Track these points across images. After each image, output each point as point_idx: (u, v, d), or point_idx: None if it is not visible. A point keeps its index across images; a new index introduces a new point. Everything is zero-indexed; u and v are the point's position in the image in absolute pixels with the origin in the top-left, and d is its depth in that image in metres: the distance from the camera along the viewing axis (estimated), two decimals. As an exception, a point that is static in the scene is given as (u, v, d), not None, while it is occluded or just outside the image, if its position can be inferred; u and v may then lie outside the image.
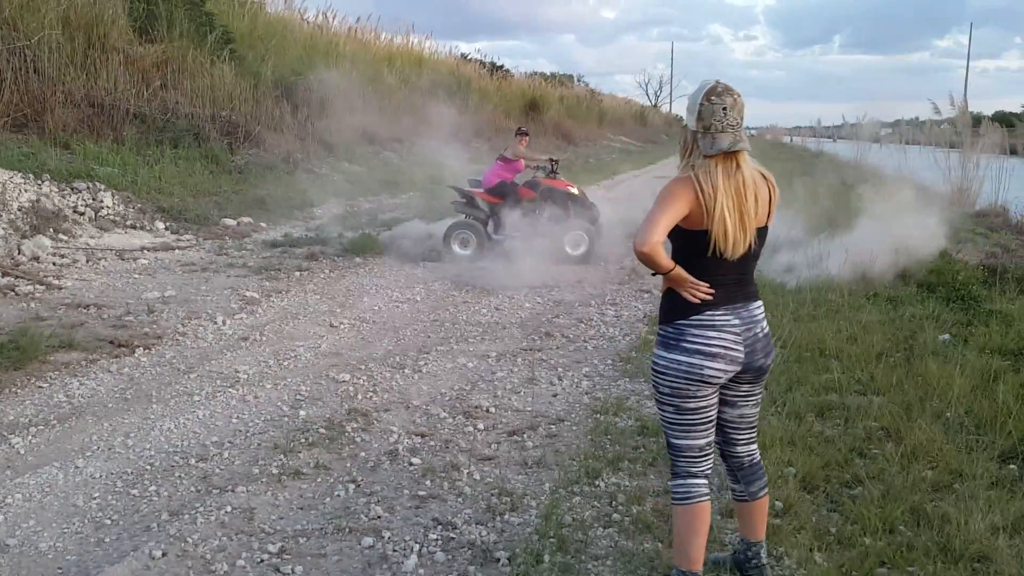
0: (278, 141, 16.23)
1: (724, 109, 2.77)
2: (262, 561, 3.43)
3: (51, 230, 9.52)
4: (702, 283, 2.82)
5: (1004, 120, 18.40)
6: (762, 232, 2.88)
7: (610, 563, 3.40)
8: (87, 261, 8.88)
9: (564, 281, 8.95)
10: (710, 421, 2.95)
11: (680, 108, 77.77)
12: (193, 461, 4.37)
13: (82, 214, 10.19)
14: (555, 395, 5.47)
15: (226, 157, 14.29)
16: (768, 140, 51.63)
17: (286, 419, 4.97)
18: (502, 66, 35.40)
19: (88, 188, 10.61)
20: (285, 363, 6.06)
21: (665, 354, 2.88)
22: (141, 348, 6.24)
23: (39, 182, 10.17)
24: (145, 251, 9.72)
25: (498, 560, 3.41)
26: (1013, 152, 16.20)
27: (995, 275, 8.37)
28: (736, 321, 2.86)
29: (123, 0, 14.40)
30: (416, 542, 3.57)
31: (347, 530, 3.68)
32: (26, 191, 9.72)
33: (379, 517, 3.80)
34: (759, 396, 3.08)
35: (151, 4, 15.09)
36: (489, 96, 28.30)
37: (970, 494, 3.88)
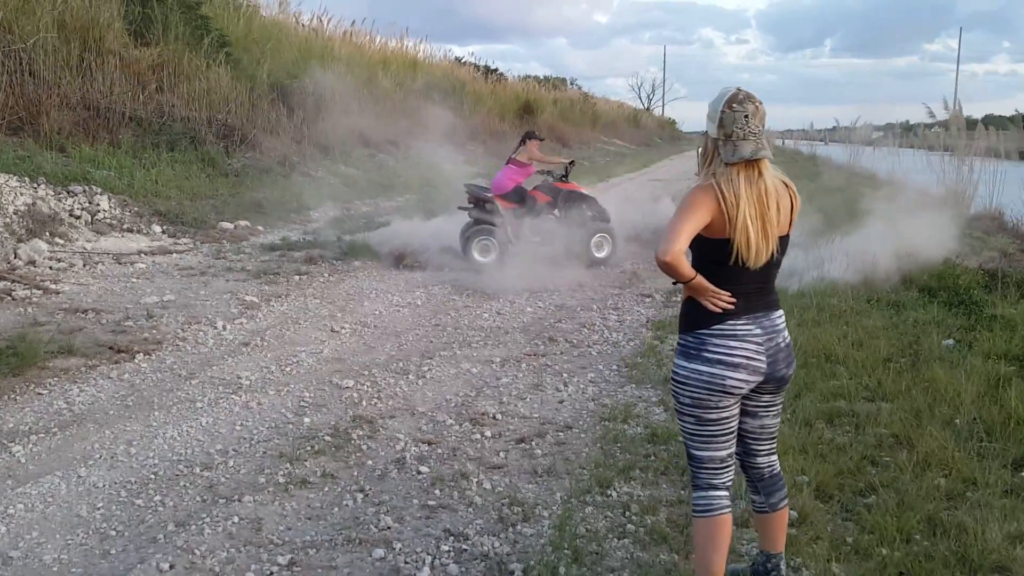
0: (274, 144, 16.17)
1: (746, 116, 2.73)
2: (272, 573, 3.38)
3: (47, 234, 9.44)
4: (723, 292, 2.78)
5: (995, 123, 18.41)
6: (784, 240, 2.84)
7: (627, 575, 3.35)
8: (84, 265, 8.81)
9: (564, 285, 8.90)
10: (731, 432, 2.91)
11: (672, 111, 77.90)
12: (198, 470, 4.31)
13: (78, 218, 10.11)
14: (561, 401, 5.42)
15: (222, 160, 14.22)
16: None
17: (290, 426, 4.92)
18: (496, 69, 35.38)
19: (84, 191, 10.54)
20: (287, 369, 6.00)
21: (686, 364, 2.84)
22: (141, 354, 6.17)
23: (35, 185, 10.09)
24: (142, 255, 9.65)
25: (512, 573, 3.37)
26: (1007, 156, 16.20)
27: (995, 279, 8.35)
28: (758, 331, 2.82)
29: (119, 3, 14.30)
30: (428, 554, 3.52)
31: (357, 541, 3.63)
32: (22, 194, 9.64)
33: (389, 528, 3.75)
34: (780, 406, 3.04)
35: (147, 7, 15.00)
36: (483, 99, 28.28)
37: (985, 503, 3.85)
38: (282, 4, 21.56)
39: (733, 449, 2.95)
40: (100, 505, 3.93)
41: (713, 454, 2.90)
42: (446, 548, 3.57)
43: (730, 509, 2.95)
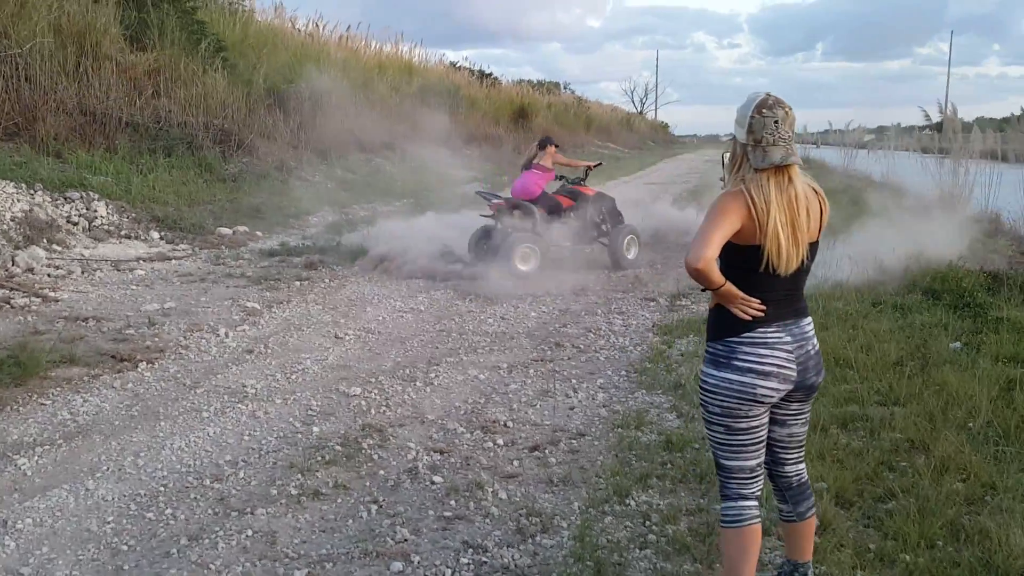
0: (271, 149, 16.10)
1: (776, 122, 2.69)
2: (289, 587, 3.32)
3: (45, 240, 9.37)
4: (753, 299, 2.74)
5: (989, 126, 18.44)
6: (813, 247, 2.80)
7: (650, 586, 3.31)
8: (83, 272, 8.73)
9: (567, 289, 8.85)
10: (761, 441, 2.86)
11: (665, 115, 77.99)
12: (208, 482, 4.25)
13: (76, 224, 10.04)
14: (572, 408, 5.37)
15: (219, 166, 14.15)
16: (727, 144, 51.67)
17: (300, 436, 4.85)
18: (491, 74, 35.34)
19: (82, 197, 10.47)
20: (293, 376, 5.94)
21: (715, 372, 2.79)
22: (144, 362, 6.10)
23: (32, 191, 10.02)
24: (141, 261, 9.57)
25: (534, 585, 3.32)
26: (1004, 158, 16.22)
27: (997, 282, 8.34)
28: (788, 338, 2.78)
29: (115, 8, 14.22)
30: (447, 567, 3.47)
31: (374, 554, 3.57)
32: (19, 201, 9.56)
33: (406, 540, 3.69)
34: (808, 414, 3.00)
35: (143, 12, 14.94)
36: (478, 104, 28.24)
37: (1006, 507, 3.81)
38: (277, 9, 21.57)
39: (763, 458, 2.90)
40: (110, 519, 3.86)
41: (743, 464, 2.85)
42: (465, 561, 3.51)
43: (760, 519, 2.90)
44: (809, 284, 6.83)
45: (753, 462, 2.87)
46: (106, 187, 11.15)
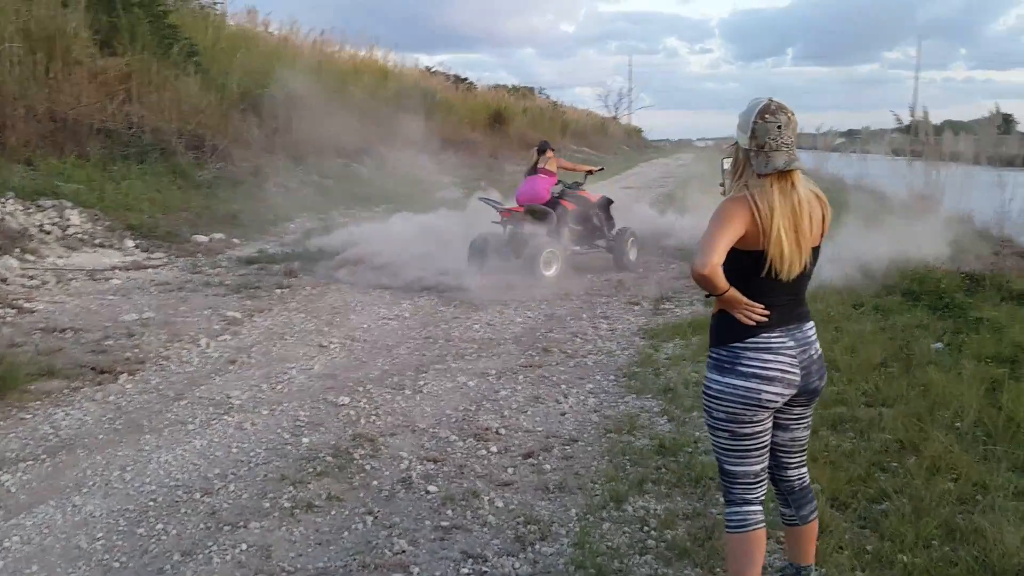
0: (246, 155, 15.95)
1: (779, 127, 2.69)
2: (288, 602, 3.27)
3: (18, 250, 9.22)
4: (757, 304, 2.73)
5: (962, 128, 18.65)
6: (815, 251, 2.80)
7: (653, 593, 3.29)
8: (57, 282, 8.59)
9: (551, 294, 8.83)
10: (765, 446, 2.86)
11: (639, 120, 78.42)
12: (198, 495, 4.18)
13: (49, 233, 9.88)
14: (563, 414, 5.35)
15: (194, 172, 13.99)
16: (725, 150, 51.93)
17: (289, 447, 4.79)
18: (466, 79, 35.32)
19: (54, 206, 10.31)
20: (278, 387, 5.87)
21: (719, 378, 2.78)
22: (125, 374, 6.00)
23: (2, 200, 9.88)
24: (116, 271, 9.44)
25: (537, 594, 3.29)
26: (976, 160, 16.40)
27: (974, 282, 8.43)
28: (791, 343, 2.77)
29: (85, 12, 14.02)
30: (448, 577, 3.43)
31: (372, 567, 3.52)
32: (-9, 211, 9.40)
33: (404, 551, 3.65)
34: (810, 418, 3.00)
35: (113, 16, 14.74)
36: (455, 108, 28.17)
37: (998, 507, 3.82)
38: (250, 12, 21.35)
39: (766, 463, 2.90)
40: (100, 535, 3.79)
41: (747, 469, 2.84)
42: (466, 571, 3.48)
43: (764, 524, 2.90)
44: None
45: (757, 467, 2.87)
46: (79, 195, 10.99)
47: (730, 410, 2.77)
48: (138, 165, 13.00)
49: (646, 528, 3.79)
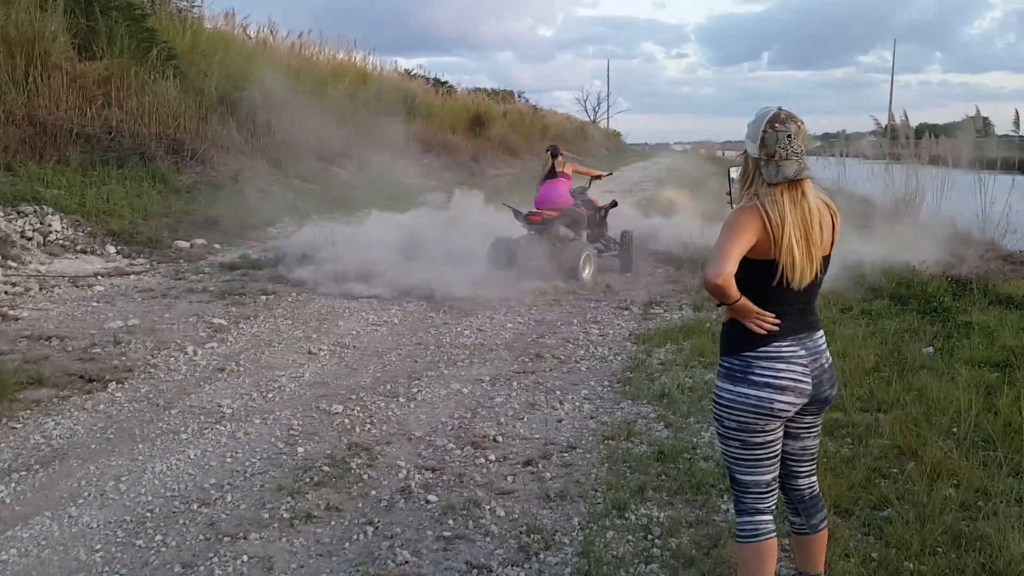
0: (225, 159, 15.85)
1: (789, 136, 2.68)
2: (293, 615, 3.23)
3: (-1, 257, 9.09)
4: (768, 313, 2.73)
5: (938, 132, 18.80)
6: (825, 260, 2.80)
7: (662, 603, 3.28)
8: (40, 289, 8.49)
9: (542, 300, 8.81)
10: (776, 455, 2.85)
11: (617, 124, 78.63)
12: (196, 506, 4.12)
13: (30, 239, 9.76)
14: (560, 420, 5.33)
15: (173, 176, 13.87)
16: (702, 154, 52.23)
17: (284, 457, 4.74)
18: (446, 82, 35.27)
19: (35, 212, 10.18)
20: (269, 395, 5.81)
21: (731, 387, 2.77)
22: (113, 382, 5.93)
23: (-17, 207, 9.73)
24: (99, 277, 9.34)
25: (545, 605, 3.27)
26: (954, 164, 16.54)
27: (960, 286, 8.50)
28: (803, 352, 2.77)
29: (63, 16, 13.86)
30: (454, 588, 3.40)
31: (377, 578, 3.49)
32: (-29, 217, 9.27)
33: (407, 562, 3.61)
34: (820, 427, 3.00)
35: (91, 20, 14.59)
36: (435, 112, 28.12)
37: (1001, 513, 3.83)
38: (228, 16, 21.19)
39: (777, 472, 2.89)
40: (98, 547, 3.72)
41: (759, 478, 2.84)
42: (472, 582, 3.45)
43: (775, 533, 2.89)
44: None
45: (768, 476, 2.86)
46: (59, 200, 10.87)
47: (742, 419, 2.76)
48: (118, 170, 12.87)
49: (650, 536, 3.77)
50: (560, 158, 10.34)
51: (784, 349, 2.74)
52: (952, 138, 16.67)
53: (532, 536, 3.81)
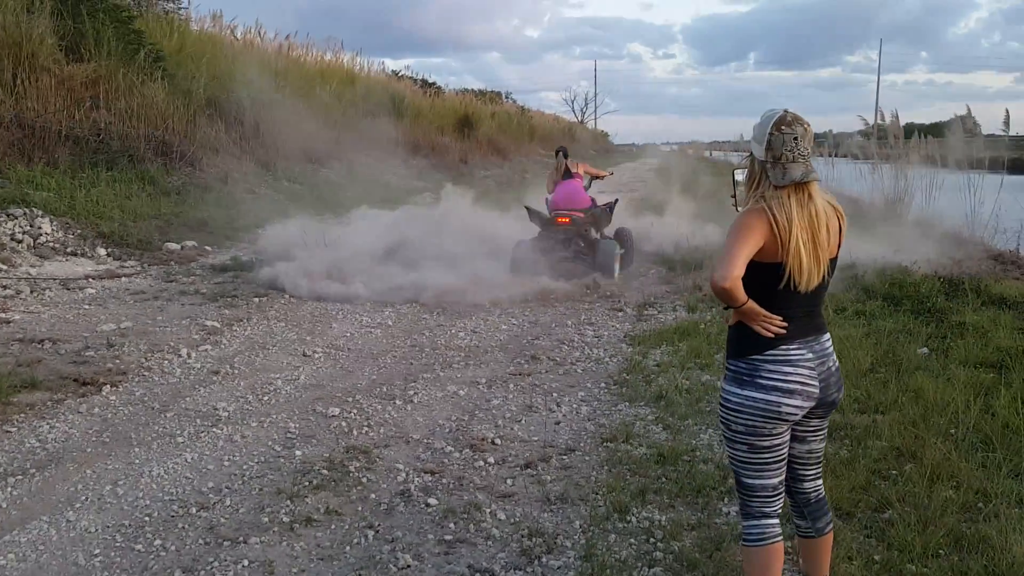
0: (214, 161, 15.78)
1: (795, 139, 2.69)
2: (296, 621, 3.21)
3: (-11, 260, 9.02)
4: (775, 316, 2.73)
5: (929, 132, 18.88)
6: (832, 263, 2.80)
7: (666, 606, 3.27)
8: (31, 292, 8.41)
9: (535, 301, 8.80)
10: (783, 459, 2.85)
11: (604, 124, 78.71)
12: (194, 510, 4.10)
13: (20, 242, 9.68)
14: (558, 423, 5.32)
15: (163, 178, 13.80)
16: (691, 155, 52.29)
17: (282, 460, 4.72)
18: (434, 83, 35.24)
19: (25, 214, 10.10)
20: (265, 398, 5.78)
21: (739, 391, 2.77)
22: (108, 386, 5.88)
23: (-28, 209, 9.65)
24: (90, 279, 9.27)
25: (549, 609, 3.26)
26: (942, 164, 16.62)
27: (952, 287, 8.54)
28: (810, 355, 2.77)
29: (50, 18, 13.77)
30: (458, 592, 3.39)
31: (380, 582, 3.47)
32: (-40, 219, 9.20)
33: (409, 566, 3.60)
34: (826, 430, 3.00)
35: (78, 22, 14.50)
36: (423, 113, 28.09)
37: (1003, 515, 3.84)
38: (215, 17, 21.12)
39: (784, 476, 2.89)
40: (97, 552, 3.70)
41: (766, 482, 2.84)
42: (476, 586, 3.44)
43: (781, 536, 2.89)
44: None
45: (775, 480, 2.86)
46: (49, 203, 10.79)
47: (749, 423, 2.76)
48: (107, 172, 12.80)
49: (652, 539, 3.77)
50: (569, 159, 10.47)
51: (792, 352, 2.74)
52: (940, 138, 16.76)
53: (534, 539, 3.80)
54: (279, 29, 33.41)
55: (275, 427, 5.23)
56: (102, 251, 10.47)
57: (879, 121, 18.22)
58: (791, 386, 2.72)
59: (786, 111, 2.74)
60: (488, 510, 4.09)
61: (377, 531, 3.92)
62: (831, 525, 3.07)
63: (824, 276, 2.75)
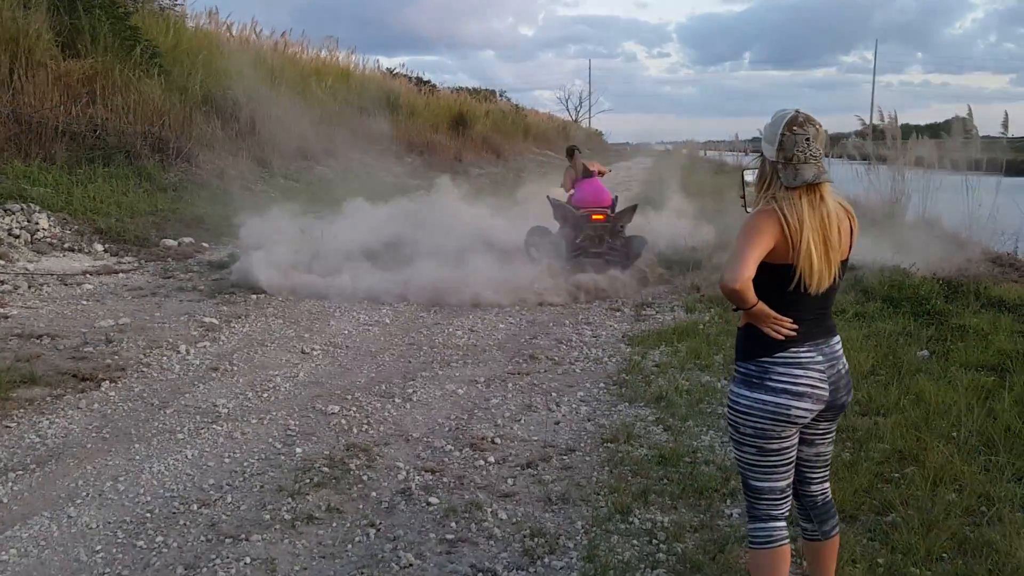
0: (210, 157, 15.77)
1: (807, 140, 2.67)
2: (299, 620, 3.19)
3: (-14, 254, 8.97)
4: (785, 319, 2.72)
5: (926, 133, 18.90)
6: (843, 265, 2.79)
7: (671, 607, 3.26)
8: (29, 287, 8.38)
9: (531, 300, 8.79)
10: (791, 462, 2.84)
11: (599, 123, 78.67)
12: (195, 507, 4.08)
13: (17, 237, 9.64)
14: (557, 422, 5.31)
15: (159, 175, 13.80)
16: (685, 155, 52.27)
17: (282, 457, 4.70)
18: (428, 81, 35.20)
19: (22, 210, 10.07)
20: (264, 395, 5.77)
21: (748, 393, 2.76)
22: (107, 381, 5.87)
23: (-31, 204, 9.60)
24: (88, 275, 9.24)
25: (554, 609, 3.25)
26: (940, 165, 16.63)
27: (952, 289, 8.55)
28: (820, 358, 2.76)
29: (47, 14, 13.72)
30: (461, 592, 3.38)
31: (382, 581, 3.46)
32: (-44, 213, 9.15)
33: (411, 565, 3.59)
34: (834, 433, 2.99)
35: (74, 18, 14.45)
36: (418, 111, 28.07)
37: (1006, 519, 3.83)
38: (211, 14, 21.06)
39: (792, 479, 2.88)
40: (99, 548, 3.68)
41: (774, 485, 2.83)
42: (479, 586, 3.43)
43: (788, 539, 2.88)
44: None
45: (783, 483, 2.85)
46: (46, 198, 10.76)
47: (759, 426, 2.75)
48: (104, 168, 12.78)
49: (655, 541, 3.76)
50: (581, 158, 10.66)
51: (802, 355, 2.73)
52: (938, 139, 16.79)
53: (536, 540, 3.79)
54: (275, 26, 33.39)
55: (275, 424, 5.21)
56: (99, 247, 10.43)
57: (875, 121, 18.23)
58: (801, 389, 2.71)
59: (798, 111, 2.73)
60: (489, 509, 4.08)
61: (379, 529, 3.90)
62: (837, 529, 3.06)
63: (835, 278, 2.74)
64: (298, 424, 5.21)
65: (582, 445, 4.93)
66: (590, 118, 75.35)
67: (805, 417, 2.75)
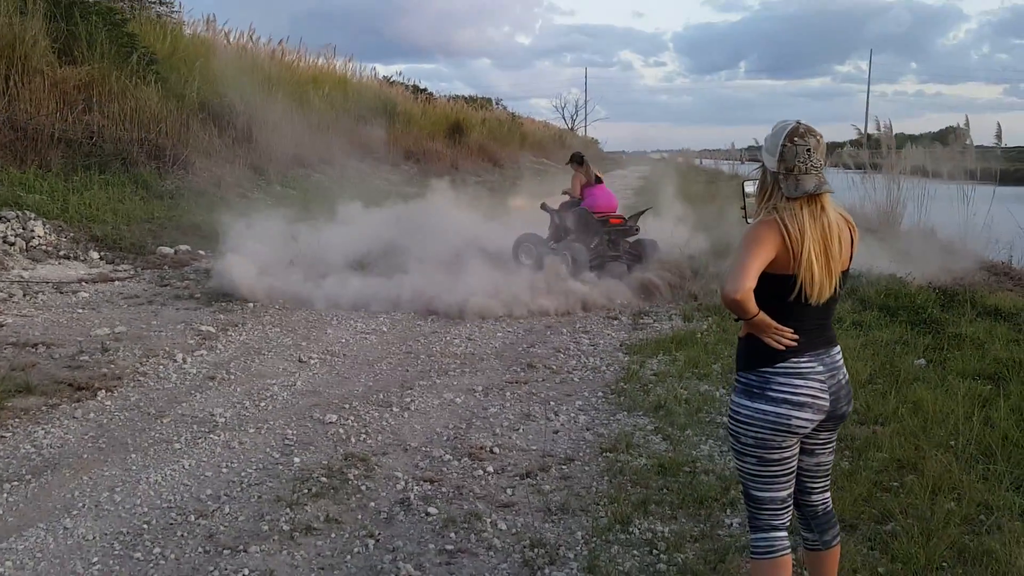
0: (207, 165, 15.73)
1: (808, 151, 2.68)
2: (298, 631, 3.17)
3: (-20, 262, 8.95)
4: (786, 329, 2.71)
5: (917, 142, 18.94)
6: (844, 275, 2.79)
7: (672, 619, 3.25)
8: (24, 295, 8.36)
9: (528, 309, 8.77)
10: (792, 472, 2.84)
11: (595, 131, 78.85)
12: (193, 518, 4.06)
13: (12, 244, 9.63)
14: (556, 432, 5.30)
15: (156, 182, 13.76)
16: (680, 163, 52.37)
17: (281, 467, 4.68)
18: (425, 89, 35.19)
19: (17, 217, 10.05)
20: (262, 404, 5.75)
21: (748, 403, 2.75)
22: (103, 391, 5.84)
23: (-36, 211, 9.58)
24: (84, 283, 9.22)
25: (554, 620, 3.23)
26: (934, 174, 16.67)
27: (948, 298, 8.57)
28: (821, 368, 2.76)
29: (43, 21, 13.70)
30: (462, 603, 3.37)
31: (382, 592, 3.44)
32: (-49, 221, 9.13)
33: (411, 576, 3.57)
34: (834, 443, 2.99)
35: (71, 24, 14.43)
36: (415, 119, 28.07)
37: (1005, 527, 3.83)
38: (209, 22, 21.05)
39: (793, 488, 2.88)
40: (95, 560, 3.65)
41: (775, 495, 2.82)
42: (479, 597, 3.42)
43: (790, 549, 2.87)
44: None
45: (784, 493, 2.84)
46: (42, 206, 10.74)
47: (759, 436, 2.74)
48: (100, 175, 12.75)
49: (655, 551, 3.75)
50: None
51: (802, 365, 2.73)
52: (932, 149, 16.83)
53: (536, 550, 3.77)
54: (272, 34, 33.39)
55: (273, 434, 5.19)
56: (95, 255, 10.41)
57: (870, 131, 18.28)
58: (801, 399, 2.71)
59: (799, 122, 2.73)
60: (489, 520, 4.07)
61: (378, 540, 3.89)
62: (838, 538, 3.05)
63: (836, 289, 2.74)
64: (296, 433, 5.20)
65: (581, 454, 4.92)
66: (586, 126, 75.45)
67: (806, 427, 2.74)
